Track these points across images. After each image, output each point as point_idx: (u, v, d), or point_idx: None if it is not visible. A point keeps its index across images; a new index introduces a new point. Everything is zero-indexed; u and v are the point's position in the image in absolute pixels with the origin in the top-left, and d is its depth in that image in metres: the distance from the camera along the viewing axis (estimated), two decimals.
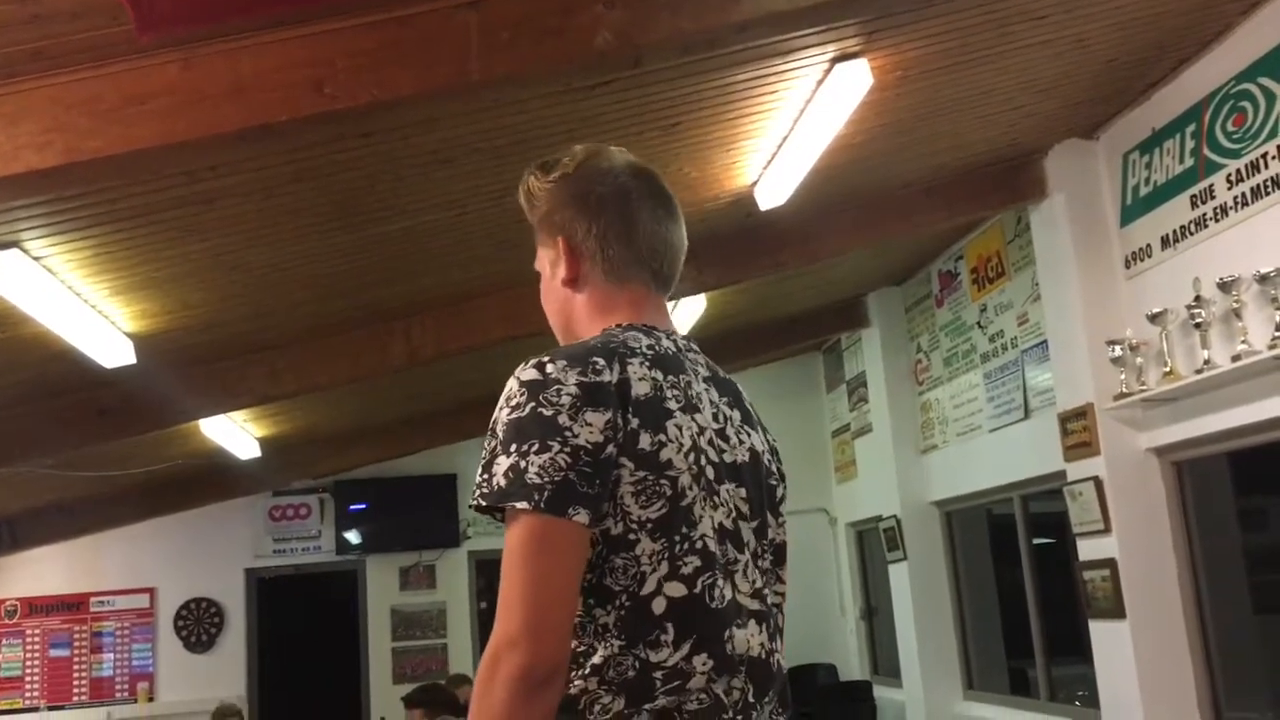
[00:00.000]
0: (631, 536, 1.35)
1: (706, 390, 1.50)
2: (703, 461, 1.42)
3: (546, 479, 1.30)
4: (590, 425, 1.33)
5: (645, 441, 1.36)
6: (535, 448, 1.31)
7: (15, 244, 3.60)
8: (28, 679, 9.09)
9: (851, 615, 9.42)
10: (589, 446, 1.32)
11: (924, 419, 7.91)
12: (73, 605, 9.21)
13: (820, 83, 4.06)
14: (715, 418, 1.48)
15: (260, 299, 4.92)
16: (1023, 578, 6.72)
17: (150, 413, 5.54)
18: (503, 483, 1.32)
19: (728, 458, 1.47)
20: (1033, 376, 6.36)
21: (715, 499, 1.43)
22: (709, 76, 3.81)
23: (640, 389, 1.39)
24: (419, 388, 7.27)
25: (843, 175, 5.06)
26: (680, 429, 1.40)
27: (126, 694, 9.13)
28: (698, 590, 1.37)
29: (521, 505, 1.30)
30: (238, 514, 9.33)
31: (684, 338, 1.56)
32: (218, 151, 3.16)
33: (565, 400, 1.33)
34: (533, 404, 1.34)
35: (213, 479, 8.36)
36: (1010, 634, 7.37)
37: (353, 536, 9.45)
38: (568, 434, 1.32)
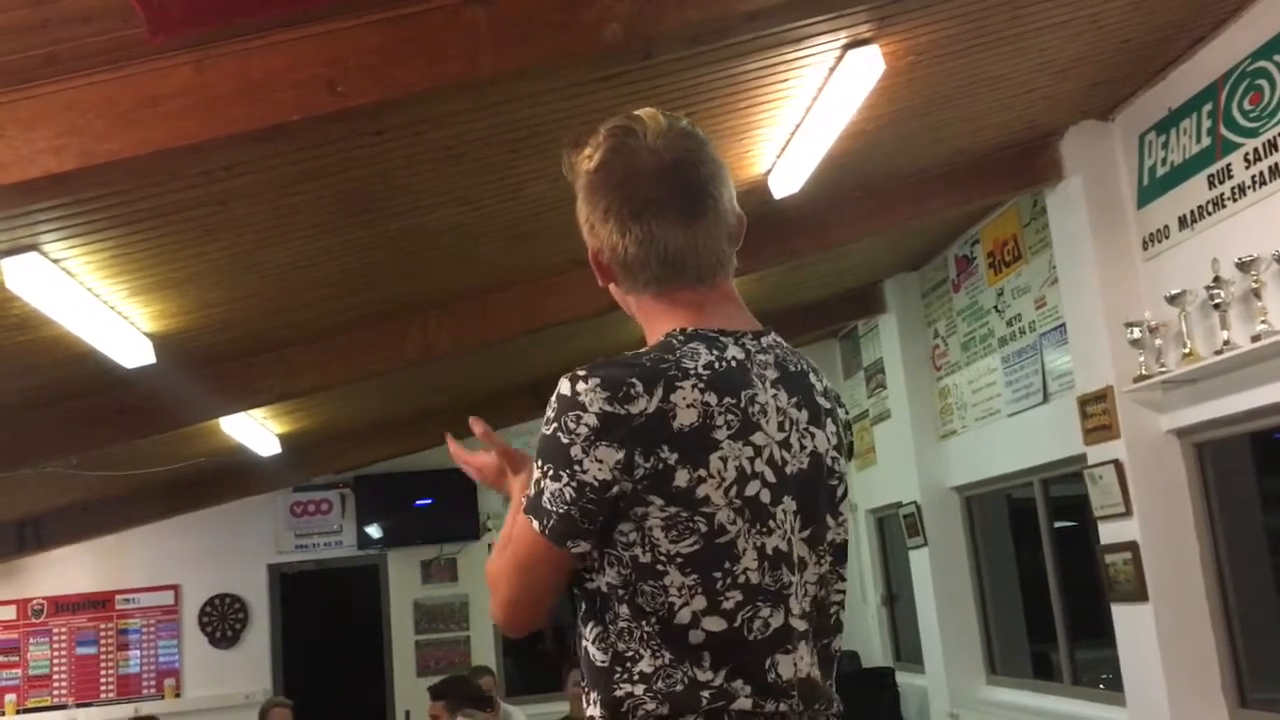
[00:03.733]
0: (660, 567, 1.34)
1: (775, 396, 1.42)
2: (755, 488, 1.37)
3: (554, 508, 1.35)
4: (600, 463, 1.32)
5: (681, 478, 1.32)
6: (550, 473, 1.35)
7: (34, 247, 3.62)
8: (56, 677, 9.18)
9: (873, 602, 9.41)
10: (595, 484, 1.32)
11: (942, 404, 7.89)
12: (98, 603, 9.28)
13: (832, 70, 4.05)
14: (781, 426, 1.41)
15: (277, 297, 4.95)
16: (1044, 562, 6.70)
17: (171, 412, 5.58)
18: (531, 493, 1.39)
19: (789, 469, 1.41)
20: (1051, 360, 6.33)
21: (771, 523, 1.38)
22: (720, 66, 3.80)
23: (685, 419, 1.33)
24: (438, 382, 7.29)
25: (856, 162, 5.04)
26: (725, 461, 1.34)
27: (153, 690, 9.21)
28: (738, 624, 1.35)
29: (534, 524, 1.37)
30: (259, 510, 9.38)
31: (755, 333, 1.47)
32: (232, 152, 3.17)
33: (582, 430, 1.32)
34: (555, 425, 1.35)
35: (234, 476, 8.42)
36: (1032, 618, 7.35)
37: (374, 531, 9.49)
38: (576, 469, 1.33)
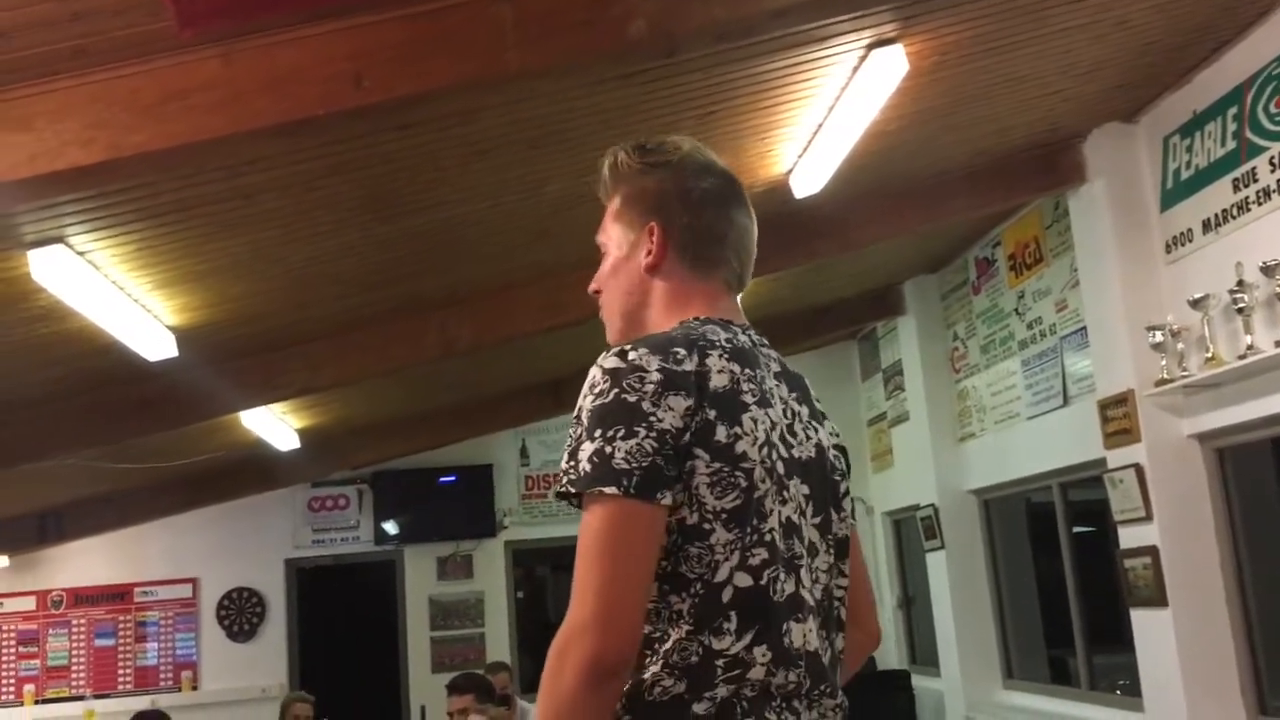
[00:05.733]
0: (706, 526, 1.37)
1: (778, 386, 1.53)
2: (774, 456, 1.44)
3: (634, 464, 1.32)
4: (673, 410, 1.36)
5: (721, 433, 1.38)
6: (621, 433, 1.34)
7: (60, 239, 3.65)
8: (74, 668, 9.23)
9: (889, 604, 9.39)
10: (673, 431, 1.35)
11: (961, 407, 7.87)
12: (117, 595, 9.34)
13: (856, 69, 4.04)
14: (785, 413, 1.51)
15: (299, 291, 4.96)
16: (1062, 566, 6.67)
17: (192, 405, 5.61)
18: (588, 468, 1.34)
19: (796, 453, 1.49)
20: (1072, 363, 6.30)
21: (785, 494, 1.45)
22: (744, 64, 3.80)
23: (719, 381, 1.41)
24: (457, 378, 7.31)
25: (878, 163, 5.03)
26: (755, 422, 1.42)
27: (171, 683, 9.26)
28: (763, 582, 1.39)
29: (610, 490, 1.32)
30: (278, 505, 9.42)
31: (757, 333, 1.58)
32: (257, 146, 3.18)
33: (649, 387, 1.36)
34: (616, 390, 1.36)
35: (253, 470, 8.45)
36: (1050, 623, 7.32)
37: (390, 527, 9.52)
38: (653, 419, 1.35)
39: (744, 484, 1.38)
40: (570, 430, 1.41)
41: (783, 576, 1.41)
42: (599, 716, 1.30)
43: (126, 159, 2.90)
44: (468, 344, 5.63)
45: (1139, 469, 5.24)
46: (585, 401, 1.39)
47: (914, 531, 8.45)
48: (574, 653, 1.27)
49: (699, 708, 1.35)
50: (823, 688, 1.45)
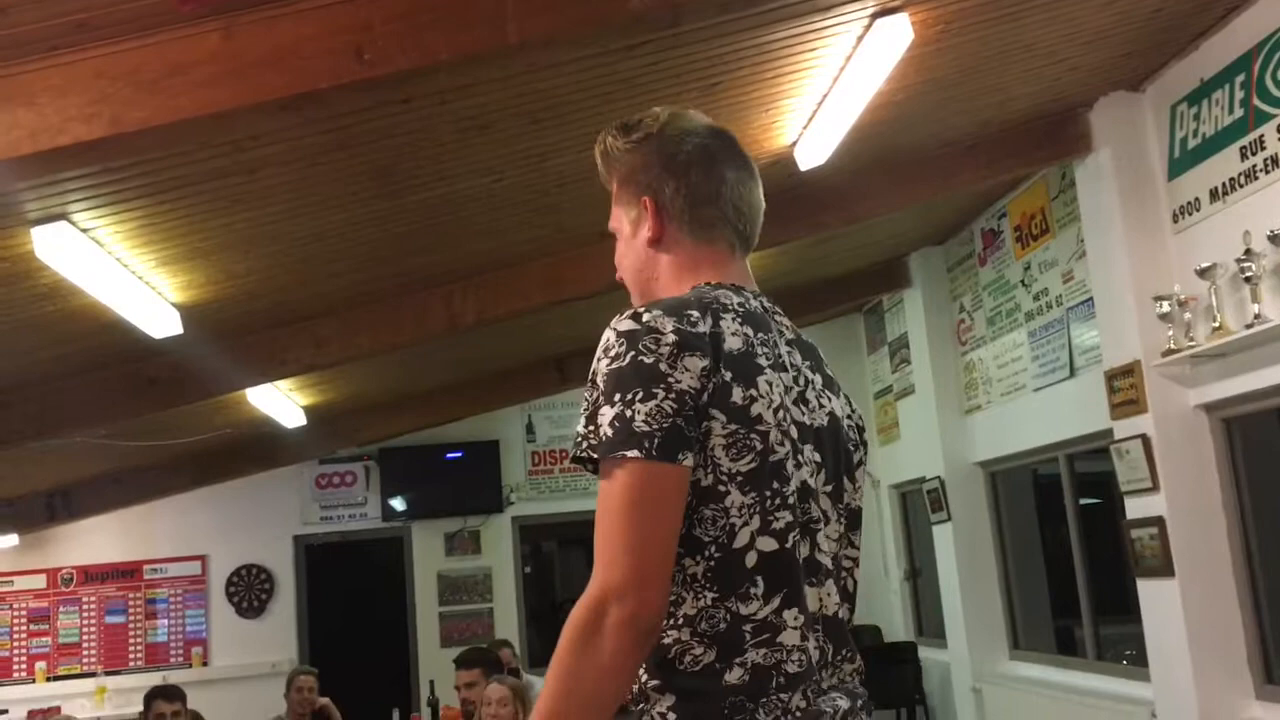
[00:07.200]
0: (721, 488, 1.37)
1: (790, 353, 1.52)
2: (788, 420, 1.43)
3: (655, 426, 1.32)
4: (689, 371, 1.35)
5: (737, 395, 1.38)
6: (640, 396, 1.33)
7: (64, 216, 3.64)
8: (85, 645, 9.30)
9: (895, 577, 9.42)
10: (691, 392, 1.35)
11: (967, 379, 7.86)
12: (127, 573, 9.39)
13: (860, 39, 4.01)
14: (797, 380, 1.50)
15: (303, 268, 4.96)
16: (1069, 537, 6.68)
17: (198, 383, 5.61)
18: (609, 433, 1.33)
19: (808, 420, 1.48)
20: (1078, 334, 6.29)
21: (800, 457, 1.45)
22: (747, 35, 3.78)
23: (733, 344, 1.41)
24: (462, 354, 7.31)
25: (883, 133, 5.00)
26: (770, 385, 1.42)
27: (181, 659, 9.32)
28: (789, 545, 1.39)
29: (633, 454, 1.31)
30: (285, 482, 9.46)
31: (769, 300, 1.57)
32: (259, 120, 3.16)
33: (665, 349, 1.35)
34: (633, 353, 1.35)
35: (260, 448, 8.48)
36: (1056, 594, 7.34)
37: (398, 503, 9.55)
38: (670, 380, 1.34)
39: (759, 446, 1.38)
40: (585, 394, 1.40)
41: (801, 539, 1.42)
42: (634, 675, 1.33)
43: (129, 134, 2.89)
44: (473, 320, 5.62)
45: (1146, 439, 5.23)
46: (600, 365, 1.38)
47: (920, 504, 8.46)
48: (614, 614, 1.27)
49: (731, 676, 1.34)
50: (844, 652, 1.47)
